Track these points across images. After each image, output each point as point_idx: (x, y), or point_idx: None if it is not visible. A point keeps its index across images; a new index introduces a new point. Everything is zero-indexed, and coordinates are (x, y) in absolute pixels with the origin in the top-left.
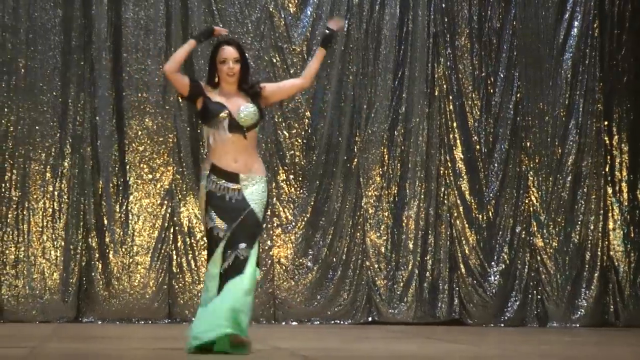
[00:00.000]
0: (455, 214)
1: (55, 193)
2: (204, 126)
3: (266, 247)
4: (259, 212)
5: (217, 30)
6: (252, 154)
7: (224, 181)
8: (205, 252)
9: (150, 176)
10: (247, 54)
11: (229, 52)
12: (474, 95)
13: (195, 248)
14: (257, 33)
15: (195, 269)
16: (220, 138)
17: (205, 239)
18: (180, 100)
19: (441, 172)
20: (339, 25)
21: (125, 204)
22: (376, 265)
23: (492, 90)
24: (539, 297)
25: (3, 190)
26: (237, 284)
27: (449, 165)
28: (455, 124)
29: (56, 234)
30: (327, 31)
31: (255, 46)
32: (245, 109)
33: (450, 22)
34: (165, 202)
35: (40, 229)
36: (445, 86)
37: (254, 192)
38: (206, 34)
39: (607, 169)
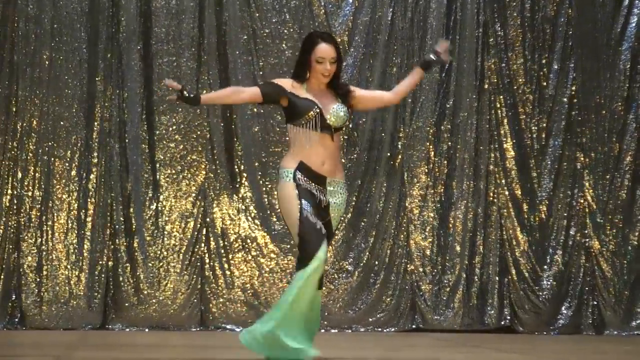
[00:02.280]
0: (506, 215)
1: (81, 192)
2: (289, 124)
3: None
4: (334, 227)
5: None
6: (337, 157)
7: (310, 181)
8: (239, 255)
9: (181, 175)
10: (284, 44)
11: (327, 51)
12: (525, 89)
13: (229, 251)
14: (295, 22)
15: (229, 272)
16: (307, 137)
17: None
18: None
19: (490, 170)
20: (446, 55)
21: (155, 204)
22: (421, 269)
23: (545, 83)
24: (595, 303)
25: (26, 189)
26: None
27: (499, 162)
28: (505, 119)
29: (82, 236)
30: (433, 57)
31: (294, 36)
32: (337, 109)
33: (501, 11)
34: (198, 202)
35: (65, 231)
36: (495, 79)
37: (336, 204)
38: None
39: None
